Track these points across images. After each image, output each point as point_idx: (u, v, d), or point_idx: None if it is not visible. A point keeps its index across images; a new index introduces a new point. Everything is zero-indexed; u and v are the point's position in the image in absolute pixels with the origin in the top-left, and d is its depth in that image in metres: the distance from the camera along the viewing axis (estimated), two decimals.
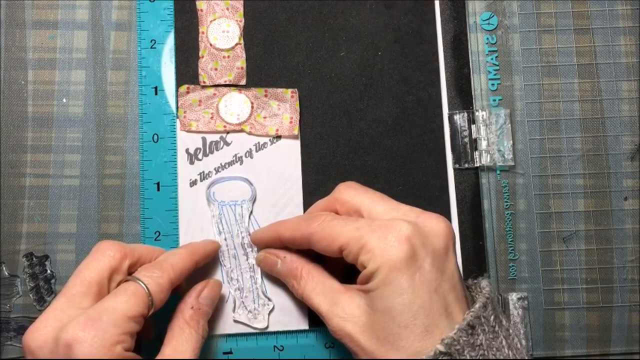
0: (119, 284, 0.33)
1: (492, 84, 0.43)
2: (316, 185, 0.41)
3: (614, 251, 0.41)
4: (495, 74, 0.43)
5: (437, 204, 0.41)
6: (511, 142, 0.42)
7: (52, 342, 0.30)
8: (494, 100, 0.42)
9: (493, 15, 0.43)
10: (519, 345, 0.32)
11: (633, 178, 0.42)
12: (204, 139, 0.41)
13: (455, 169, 0.41)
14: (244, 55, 0.42)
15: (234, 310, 0.39)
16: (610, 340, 0.41)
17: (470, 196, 0.41)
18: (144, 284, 0.33)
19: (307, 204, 0.40)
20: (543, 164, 0.42)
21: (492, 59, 0.43)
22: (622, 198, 0.42)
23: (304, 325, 0.40)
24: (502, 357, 0.31)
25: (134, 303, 0.32)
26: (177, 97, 0.41)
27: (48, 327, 0.31)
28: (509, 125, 0.42)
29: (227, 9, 0.42)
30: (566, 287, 0.41)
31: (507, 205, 0.42)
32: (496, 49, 0.43)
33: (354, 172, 0.41)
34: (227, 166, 0.41)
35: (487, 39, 0.43)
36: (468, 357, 0.30)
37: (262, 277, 0.40)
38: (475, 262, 0.40)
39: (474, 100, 0.42)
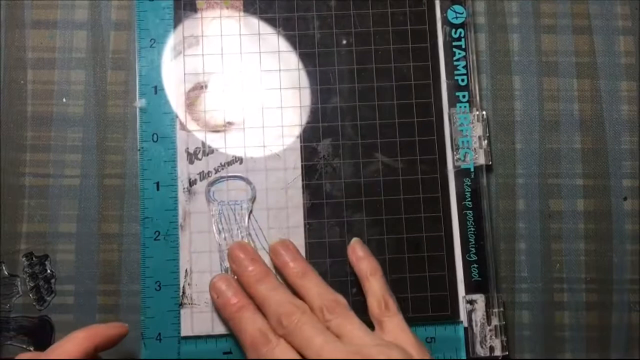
0: None
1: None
2: (316, 185, 0.41)
3: (614, 251, 0.41)
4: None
5: (437, 204, 0.41)
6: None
7: None
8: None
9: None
10: None
11: (633, 178, 0.42)
12: (204, 139, 0.41)
13: (455, 169, 0.41)
14: None
15: None
16: (610, 340, 0.41)
17: (470, 196, 0.41)
18: None
19: (307, 204, 0.40)
20: (543, 164, 0.42)
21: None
22: (621, 198, 0.42)
23: None
24: None
25: None
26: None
27: None
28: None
29: (227, 8, 0.42)
30: (566, 287, 0.41)
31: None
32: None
33: (353, 172, 0.41)
34: (227, 166, 0.41)
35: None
36: None
37: None
38: (476, 262, 0.40)
39: (473, 100, 0.42)
